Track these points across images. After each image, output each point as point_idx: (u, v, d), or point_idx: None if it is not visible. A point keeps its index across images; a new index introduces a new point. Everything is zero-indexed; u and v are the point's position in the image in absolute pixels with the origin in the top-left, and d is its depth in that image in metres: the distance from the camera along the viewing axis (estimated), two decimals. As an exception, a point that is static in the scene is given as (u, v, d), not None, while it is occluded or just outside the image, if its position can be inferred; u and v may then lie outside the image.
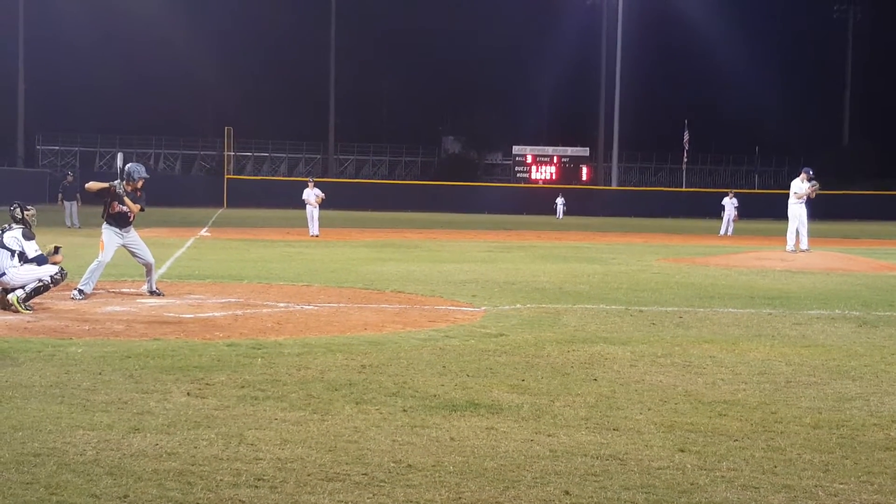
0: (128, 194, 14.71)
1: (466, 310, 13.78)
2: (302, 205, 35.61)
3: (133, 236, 14.94)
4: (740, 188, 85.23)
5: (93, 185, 14.83)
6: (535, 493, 5.57)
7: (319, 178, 71.56)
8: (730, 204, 46.01)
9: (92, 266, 14.29)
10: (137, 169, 15.04)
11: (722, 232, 44.98)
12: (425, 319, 12.73)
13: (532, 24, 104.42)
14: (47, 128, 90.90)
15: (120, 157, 16.50)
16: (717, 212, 47.75)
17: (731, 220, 45.59)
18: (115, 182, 14.74)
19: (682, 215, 71.46)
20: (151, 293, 14.66)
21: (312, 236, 33.59)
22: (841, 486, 5.82)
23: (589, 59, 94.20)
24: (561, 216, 68.83)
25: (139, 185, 14.91)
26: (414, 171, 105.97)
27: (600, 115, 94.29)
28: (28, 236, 13.30)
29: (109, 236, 14.69)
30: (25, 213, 13.52)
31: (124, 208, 14.68)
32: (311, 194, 34.77)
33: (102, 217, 14.82)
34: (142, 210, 14.93)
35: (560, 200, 70.95)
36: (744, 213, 48.84)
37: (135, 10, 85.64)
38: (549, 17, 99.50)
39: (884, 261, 26.02)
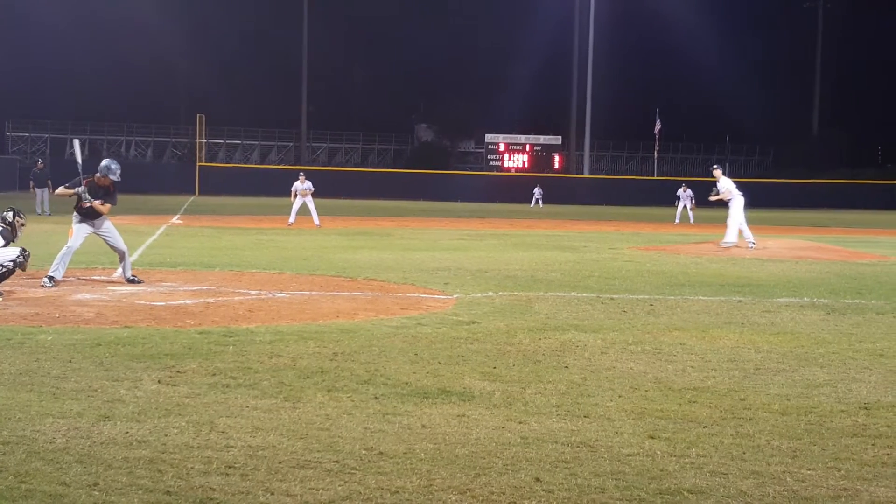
0: (97, 190, 14.63)
1: (438, 297, 13.80)
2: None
3: (106, 226, 14.88)
4: (711, 177, 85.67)
5: (62, 192, 14.84)
6: (506, 480, 5.59)
7: (291, 165, 71.49)
8: (684, 196, 46.88)
9: (61, 252, 14.21)
10: (114, 168, 14.96)
11: (677, 221, 45.64)
12: (397, 307, 12.74)
13: (505, 12, 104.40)
14: (17, 114, 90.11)
15: (76, 144, 16.38)
16: (674, 202, 48.58)
17: (687, 208, 46.37)
18: (80, 189, 14.61)
19: (654, 204, 71.60)
20: (129, 281, 14.58)
21: (288, 225, 33.41)
22: (809, 472, 5.87)
23: (561, 47, 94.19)
24: (541, 205, 68.57)
25: (107, 182, 14.84)
26: (387, 159, 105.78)
27: (572, 103, 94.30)
28: (6, 237, 13.22)
29: (80, 225, 14.67)
30: (17, 219, 13.50)
31: (79, 191, 14.60)
32: (302, 187, 34.67)
33: (74, 209, 14.82)
34: (113, 204, 14.90)
35: (538, 191, 70.76)
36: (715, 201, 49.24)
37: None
38: (521, 4, 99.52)
39: (852, 249, 26.21)
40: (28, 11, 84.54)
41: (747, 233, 25.10)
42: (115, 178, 14.88)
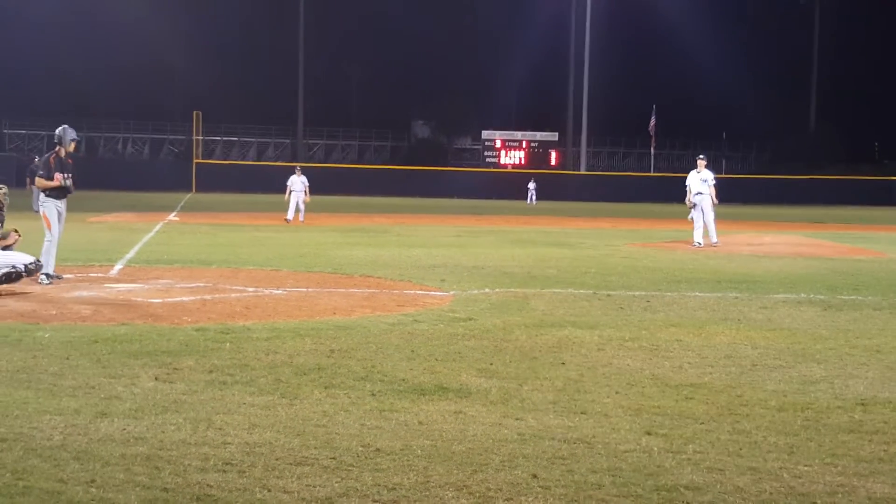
0: (66, 164, 14.50)
1: (435, 294, 13.80)
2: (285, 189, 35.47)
3: (64, 210, 14.79)
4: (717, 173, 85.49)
5: (46, 185, 14.49)
6: (503, 477, 5.59)
7: (288, 162, 71.44)
8: None
9: (44, 248, 14.04)
10: (69, 131, 14.69)
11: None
12: (394, 304, 12.74)
13: (502, 9, 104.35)
14: (14, 112, 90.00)
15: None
16: (682, 196, 47.88)
17: None
18: (68, 182, 14.51)
19: (650, 200, 71.66)
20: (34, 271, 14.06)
21: (286, 221, 33.35)
22: (805, 468, 5.88)
23: (558, 44, 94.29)
24: (534, 202, 68.22)
25: (71, 148, 14.67)
26: (383, 155, 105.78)
27: (569, 99, 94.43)
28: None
29: (51, 211, 14.41)
30: None
31: (67, 183, 14.50)
32: (298, 182, 34.62)
33: (42, 191, 14.60)
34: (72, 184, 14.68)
35: (532, 185, 70.42)
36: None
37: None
38: (518, 1, 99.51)
39: (849, 245, 26.23)
40: (24, 9, 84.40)
41: (702, 232, 24.94)
42: (75, 137, 14.72)
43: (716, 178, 25.47)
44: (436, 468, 5.71)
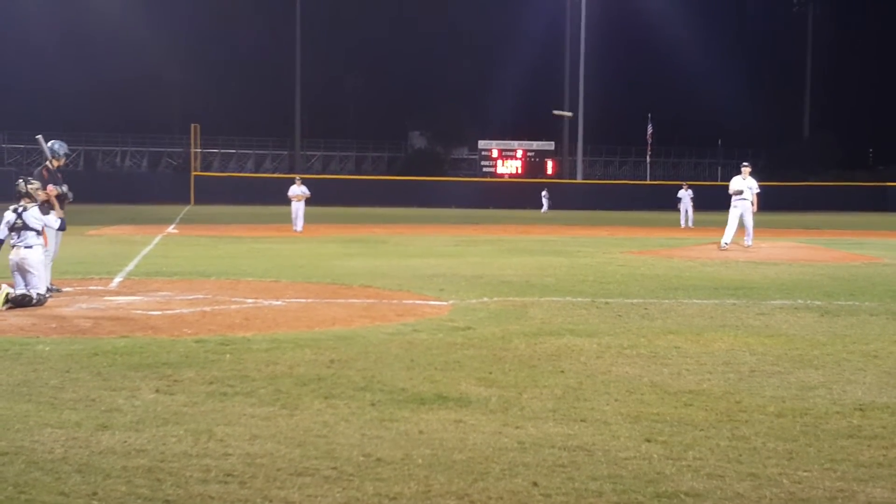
0: (54, 175, 14.57)
1: (434, 304, 13.81)
2: (289, 201, 35.87)
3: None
4: (703, 181, 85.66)
5: (50, 192, 14.43)
6: (504, 485, 5.61)
7: (286, 174, 71.50)
8: (686, 196, 46.53)
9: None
10: (61, 146, 14.91)
11: (682, 224, 45.32)
12: (393, 314, 12.74)
13: (497, 19, 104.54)
14: (12, 126, 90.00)
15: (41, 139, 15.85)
16: (675, 204, 48.10)
17: (688, 211, 46.00)
18: (66, 189, 14.59)
19: (647, 208, 71.69)
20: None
21: (296, 232, 33.65)
22: (805, 473, 5.89)
23: (553, 53, 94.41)
24: (546, 209, 68.41)
25: (61, 163, 14.81)
26: (381, 166, 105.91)
27: (565, 108, 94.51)
28: (45, 211, 13.28)
29: (49, 227, 14.41)
30: (29, 186, 13.43)
31: (63, 189, 14.55)
32: (299, 191, 35.00)
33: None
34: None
35: (545, 194, 70.59)
36: (707, 204, 49.43)
37: (99, 7, 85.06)
38: (513, 11, 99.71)
39: (845, 251, 26.26)
40: (22, 25, 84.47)
41: (733, 234, 25.44)
42: (67, 152, 14.93)
43: (759, 187, 25.96)
44: (437, 477, 5.73)
